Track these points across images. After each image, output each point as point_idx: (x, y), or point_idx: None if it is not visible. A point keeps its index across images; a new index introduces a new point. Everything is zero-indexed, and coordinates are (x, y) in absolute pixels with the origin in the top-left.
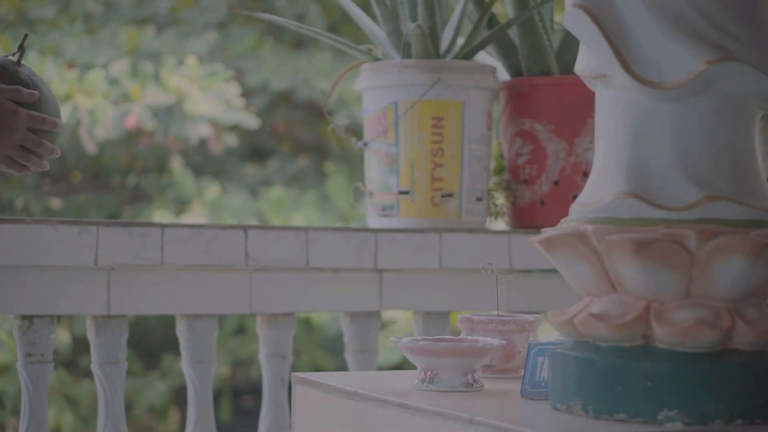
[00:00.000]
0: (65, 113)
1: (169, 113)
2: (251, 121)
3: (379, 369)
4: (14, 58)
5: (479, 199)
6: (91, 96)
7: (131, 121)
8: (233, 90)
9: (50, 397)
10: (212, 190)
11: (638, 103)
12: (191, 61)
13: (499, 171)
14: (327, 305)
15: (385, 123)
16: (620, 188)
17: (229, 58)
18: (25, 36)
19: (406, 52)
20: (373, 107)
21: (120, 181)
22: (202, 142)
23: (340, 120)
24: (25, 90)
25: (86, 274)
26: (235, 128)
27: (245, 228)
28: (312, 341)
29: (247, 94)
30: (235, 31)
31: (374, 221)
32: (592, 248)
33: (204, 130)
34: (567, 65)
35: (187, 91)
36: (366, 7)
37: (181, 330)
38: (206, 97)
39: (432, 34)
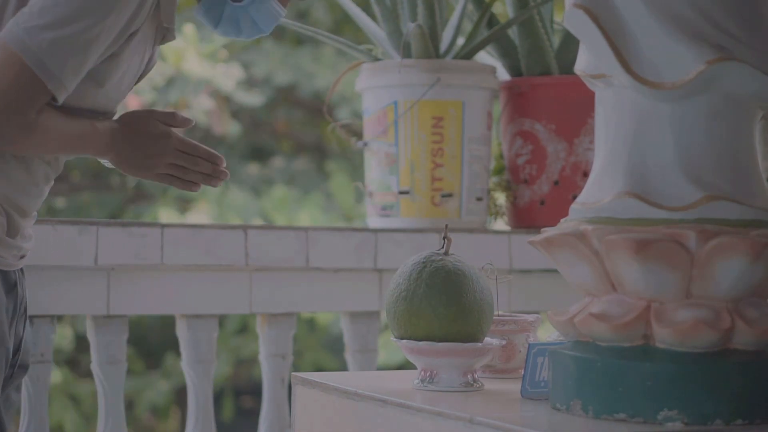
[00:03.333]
0: None
1: (170, 84)
2: (254, 99)
3: (381, 369)
4: (442, 251)
5: (479, 199)
6: None
7: (133, 102)
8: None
9: (53, 396)
10: (214, 189)
11: (638, 103)
12: (188, 30)
13: (499, 171)
14: (327, 305)
15: (385, 123)
16: (620, 188)
17: (233, 52)
18: (446, 226)
19: (406, 52)
20: (373, 107)
21: (120, 180)
22: (206, 134)
23: (343, 117)
24: (179, 114)
25: (86, 274)
26: (238, 111)
27: (245, 228)
28: (314, 341)
29: (250, 84)
30: None
31: (374, 221)
32: (592, 248)
33: (206, 103)
34: (567, 65)
35: (183, 52)
36: (366, 7)
37: (181, 330)
38: (203, 61)
39: (432, 34)
